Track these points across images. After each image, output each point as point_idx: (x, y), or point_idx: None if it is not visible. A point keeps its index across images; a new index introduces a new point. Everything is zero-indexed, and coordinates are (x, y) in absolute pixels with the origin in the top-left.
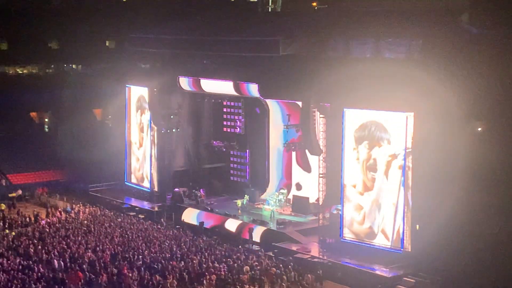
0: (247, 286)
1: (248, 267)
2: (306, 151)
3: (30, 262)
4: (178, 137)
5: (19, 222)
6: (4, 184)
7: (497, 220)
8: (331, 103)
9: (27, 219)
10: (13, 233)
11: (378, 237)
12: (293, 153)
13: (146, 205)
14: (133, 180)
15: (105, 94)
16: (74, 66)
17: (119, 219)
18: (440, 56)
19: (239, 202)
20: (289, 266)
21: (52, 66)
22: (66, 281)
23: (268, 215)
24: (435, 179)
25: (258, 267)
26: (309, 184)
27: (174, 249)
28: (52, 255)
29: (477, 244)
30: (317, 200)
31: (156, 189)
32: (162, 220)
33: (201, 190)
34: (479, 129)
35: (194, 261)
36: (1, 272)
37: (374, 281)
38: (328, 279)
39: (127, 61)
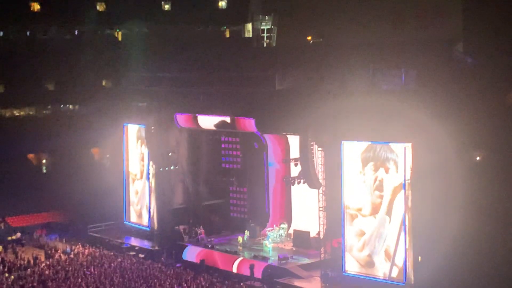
0: None
1: None
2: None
3: None
4: (176, 174)
5: (18, 265)
6: (2, 227)
7: (499, 250)
8: (329, 136)
9: (26, 261)
10: (12, 277)
11: (377, 267)
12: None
13: (146, 244)
14: (132, 217)
15: (102, 133)
16: (70, 106)
17: (119, 259)
18: (436, 86)
19: (239, 238)
20: None
21: (49, 107)
22: None
23: (268, 250)
24: (435, 209)
25: None
26: (309, 218)
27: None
28: None
29: (479, 274)
30: (318, 234)
31: (155, 227)
32: (162, 259)
33: (201, 227)
34: (478, 158)
35: None
36: None
37: None
38: None
39: (123, 100)
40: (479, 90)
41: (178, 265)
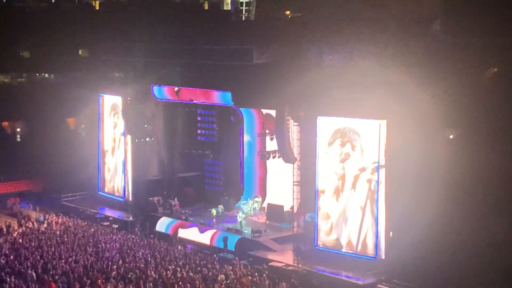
0: None
1: (223, 276)
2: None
3: (3, 273)
4: (152, 146)
5: None
6: None
7: (472, 226)
8: (305, 111)
9: None
10: None
11: (353, 246)
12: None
13: (120, 214)
14: (107, 189)
15: (78, 103)
16: (46, 75)
17: (93, 229)
18: (413, 63)
19: (213, 211)
20: (264, 275)
21: (24, 75)
22: None
23: (242, 223)
24: (409, 186)
25: (233, 276)
26: (284, 193)
27: (149, 258)
28: (25, 266)
29: (451, 250)
30: (292, 208)
31: (130, 198)
32: (136, 229)
33: (175, 199)
34: (451, 136)
35: (168, 271)
36: None
37: None
38: (302, 287)
39: (100, 70)
40: (455, 68)
41: (151, 236)
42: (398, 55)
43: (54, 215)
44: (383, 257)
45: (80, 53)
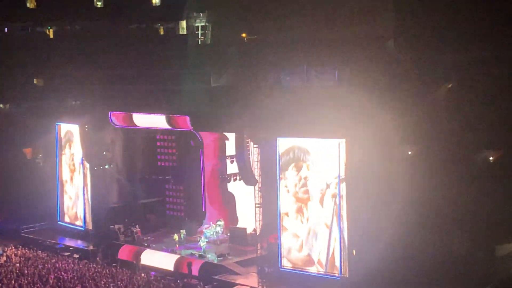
0: None
1: None
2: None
3: None
4: (112, 173)
5: None
6: None
7: (434, 241)
8: (264, 133)
9: None
10: None
11: (316, 266)
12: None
13: (80, 244)
14: (67, 219)
15: (34, 133)
16: (1, 105)
17: (53, 260)
18: (368, 82)
19: (175, 236)
20: None
21: None
22: None
23: (204, 248)
24: (369, 204)
25: None
26: (246, 215)
27: (111, 287)
28: None
29: (413, 267)
30: (254, 230)
31: (90, 227)
32: (97, 259)
33: (137, 226)
34: (409, 152)
35: None
36: None
37: None
38: None
39: (56, 99)
40: (410, 86)
41: (113, 264)
42: (355, 75)
43: (13, 247)
44: (347, 276)
45: (35, 82)
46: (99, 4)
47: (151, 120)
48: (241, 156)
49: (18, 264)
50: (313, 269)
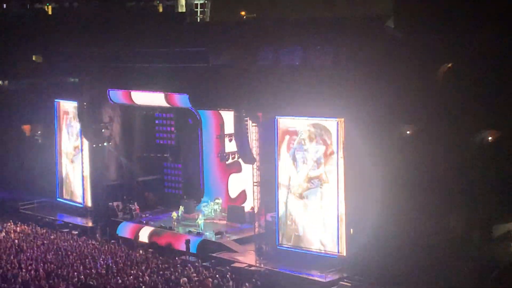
0: None
1: (185, 279)
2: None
3: None
4: (110, 150)
5: None
6: None
7: (430, 221)
8: (263, 112)
9: None
10: None
11: (314, 244)
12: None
13: (79, 221)
14: (65, 195)
15: (33, 110)
16: (0, 82)
17: (52, 237)
18: (367, 62)
19: (174, 214)
20: (227, 276)
21: None
22: None
23: (201, 225)
24: (366, 183)
25: (196, 279)
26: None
27: (110, 264)
28: None
29: (409, 245)
30: (252, 208)
31: (89, 204)
32: (96, 235)
33: (135, 204)
34: (408, 132)
35: (130, 276)
36: None
37: (312, 287)
38: (265, 287)
39: (55, 76)
40: (409, 65)
41: (112, 241)
42: (353, 54)
43: (12, 223)
44: (344, 254)
45: (34, 59)
46: None
47: (150, 98)
48: (240, 134)
49: (16, 240)
50: (310, 247)
